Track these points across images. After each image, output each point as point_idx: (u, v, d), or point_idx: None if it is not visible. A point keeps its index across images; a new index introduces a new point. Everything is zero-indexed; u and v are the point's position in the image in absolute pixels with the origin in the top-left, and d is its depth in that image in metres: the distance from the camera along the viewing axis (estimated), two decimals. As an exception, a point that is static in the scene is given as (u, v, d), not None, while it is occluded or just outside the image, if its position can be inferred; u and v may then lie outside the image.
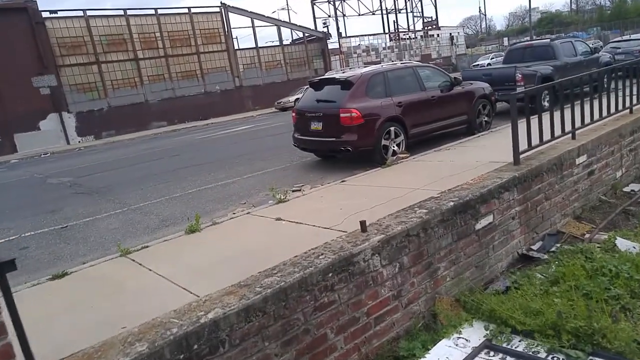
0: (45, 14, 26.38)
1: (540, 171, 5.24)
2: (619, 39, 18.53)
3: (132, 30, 28.99)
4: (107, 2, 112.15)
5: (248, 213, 5.53)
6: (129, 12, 29.16)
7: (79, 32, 27.47)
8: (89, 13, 27.88)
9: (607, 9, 67.23)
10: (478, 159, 6.24)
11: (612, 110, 6.91)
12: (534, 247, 5.02)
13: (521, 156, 5.33)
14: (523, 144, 5.37)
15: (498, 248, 4.71)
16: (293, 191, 6.78)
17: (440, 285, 4.19)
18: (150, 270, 4.08)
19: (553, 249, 4.89)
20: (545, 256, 4.71)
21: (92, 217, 7.11)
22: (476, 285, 4.46)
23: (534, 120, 5.51)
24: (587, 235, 5.16)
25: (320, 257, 3.45)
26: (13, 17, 24.72)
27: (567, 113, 6.07)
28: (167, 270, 3.98)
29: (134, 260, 4.41)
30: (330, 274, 3.36)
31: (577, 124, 6.22)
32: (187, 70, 31.04)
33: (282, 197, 5.75)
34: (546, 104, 8.97)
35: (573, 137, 6.14)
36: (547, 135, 5.70)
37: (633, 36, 17.23)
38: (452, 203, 4.26)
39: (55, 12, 27.22)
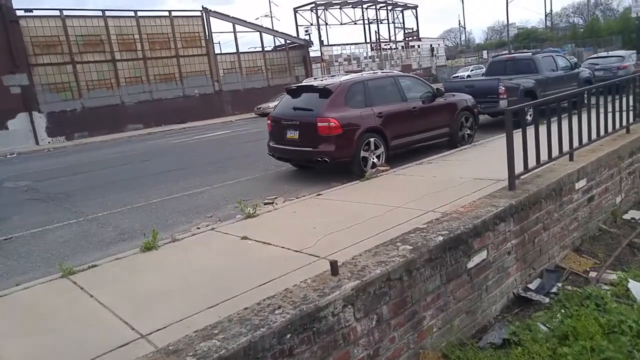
0: (19, 12, 25.49)
1: (538, 198, 4.64)
2: (596, 55, 18.73)
3: (109, 31, 28.19)
4: (89, 4, 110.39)
5: (212, 229, 5.04)
6: (107, 13, 28.40)
7: (55, 31, 26.59)
8: (65, 13, 27.02)
9: (580, 27, 69.18)
10: (461, 174, 5.89)
11: (610, 129, 6.43)
12: (532, 286, 4.48)
13: (517, 180, 4.72)
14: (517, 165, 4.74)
15: (492, 288, 4.11)
16: (265, 204, 6.31)
17: (426, 338, 3.53)
18: (91, 296, 3.57)
19: (554, 289, 4.37)
20: (547, 299, 4.17)
21: (42, 227, 6.48)
22: (467, 334, 3.88)
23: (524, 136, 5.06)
24: (591, 274, 4.65)
25: (277, 312, 2.71)
26: (-14, 15, 23.78)
27: (556, 128, 5.54)
28: (110, 297, 3.47)
29: (75, 283, 3.88)
30: (288, 335, 2.62)
31: (574, 143, 5.64)
32: (166, 73, 30.32)
33: (252, 212, 5.28)
34: (529, 117, 8.73)
35: (571, 159, 5.57)
36: (543, 155, 5.05)
37: (610, 53, 17.43)
38: (441, 237, 3.59)
39: (30, 10, 26.33)
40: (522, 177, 4.79)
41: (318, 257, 3.73)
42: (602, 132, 6.23)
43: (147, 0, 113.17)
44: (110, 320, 3.08)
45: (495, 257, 4.10)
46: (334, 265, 3.12)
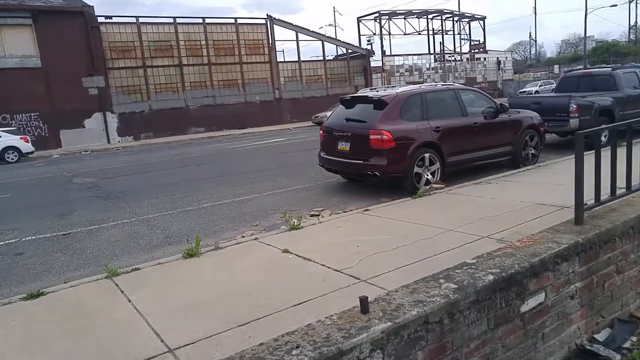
0: (100, 19, 27.32)
1: (612, 236, 4.04)
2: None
3: (179, 37, 29.59)
4: (164, 13, 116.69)
5: (256, 239, 4.98)
6: (177, 20, 29.80)
7: (130, 37, 28.34)
8: (141, 20, 28.66)
9: (669, 41, 63.94)
10: (522, 198, 5.46)
11: None
12: (599, 337, 3.95)
13: (586, 214, 4.14)
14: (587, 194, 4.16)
15: (550, 337, 3.61)
16: (311, 216, 6.19)
17: (468, 390, 3.11)
18: (129, 301, 3.59)
19: (627, 344, 3.81)
20: (618, 356, 3.63)
21: (98, 225, 6.73)
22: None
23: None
24: None
25: (294, 352, 2.43)
26: (70, 20, 25.77)
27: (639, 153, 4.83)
28: (147, 304, 3.48)
29: (117, 286, 3.95)
30: (304, 382, 2.32)
31: None
32: (229, 79, 31.28)
33: (297, 224, 5.16)
34: (603, 138, 8.03)
35: None
36: (620, 184, 4.50)
37: None
38: (491, 277, 3.17)
39: (110, 17, 28.16)
40: (592, 210, 4.24)
41: (358, 279, 3.53)
42: None
43: (217, 11, 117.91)
44: (142, 329, 3.06)
45: (555, 301, 3.61)
46: (364, 302, 2.78)
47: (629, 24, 70.03)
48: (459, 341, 3.02)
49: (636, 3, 68.85)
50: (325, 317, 2.77)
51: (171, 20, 29.76)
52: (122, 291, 3.80)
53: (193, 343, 2.78)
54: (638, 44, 66.91)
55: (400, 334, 2.69)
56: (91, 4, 26.97)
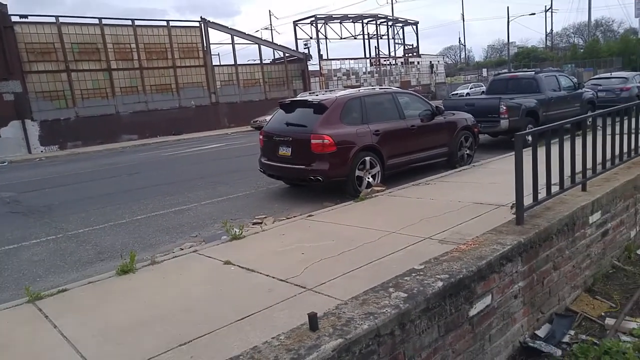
0: (14, 18, 25.27)
1: (549, 234, 4.15)
2: (599, 76, 18.51)
3: (106, 39, 27.97)
4: (88, 14, 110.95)
5: (195, 251, 4.73)
6: (104, 21, 28.22)
7: (50, 38, 26.32)
8: (61, 20, 26.84)
9: (580, 48, 69.48)
10: (460, 198, 5.61)
11: (625, 156, 5.94)
12: (540, 333, 4.03)
13: (525, 213, 4.21)
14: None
15: (496, 338, 3.63)
16: (253, 224, 6.01)
17: (420, 399, 3.05)
18: (55, 327, 3.26)
19: (566, 338, 3.93)
20: (559, 352, 3.70)
21: (18, 244, 6.14)
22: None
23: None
24: (607, 320, 4.20)
25: None
26: (-21, 20, 23.58)
27: (569, 154, 5.02)
28: (75, 329, 3.17)
29: (41, 310, 3.58)
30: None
31: (587, 171, 5.16)
32: (162, 84, 30.08)
33: (238, 233, 4.97)
34: (529, 138, 8.48)
35: (583, 189, 5.07)
36: (553, 185, 4.62)
37: (614, 74, 17.22)
38: (440, 283, 3.12)
39: (25, 16, 26.10)
40: (531, 209, 4.35)
41: (304, 288, 3.43)
42: (616, 160, 5.79)
43: (149, 13, 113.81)
44: (70, 359, 2.76)
45: (500, 302, 3.64)
46: (312, 319, 2.62)
47: (545, 32, 75.66)
48: (410, 351, 2.95)
49: (552, 12, 74.49)
50: (272, 338, 2.60)
51: (96, 21, 28.01)
52: (46, 316, 3.44)
53: None
54: (554, 50, 72.34)
55: (351, 350, 2.57)
56: (4, 2, 24.80)
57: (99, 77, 27.83)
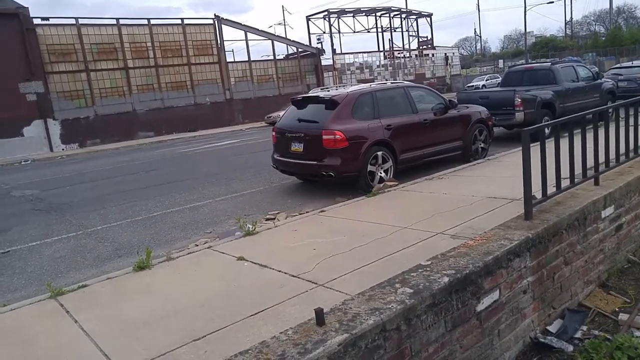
0: (36, 21, 25.83)
1: (559, 229, 4.10)
2: (620, 65, 18.05)
3: (123, 39, 28.41)
4: (106, 15, 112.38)
5: (209, 247, 4.82)
6: (121, 21, 28.64)
7: (70, 39, 26.88)
8: (81, 21, 27.32)
9: (601, 36, 67.75)
10: (474, 192, 5.59)
11: None
12: (552, 329, 4.00)
13: (534, 208, 4.17)
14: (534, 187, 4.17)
15: (505, 333, 3.61)
16: (266, 220, 6.08)
17: (427, 394, 3.05)
18: (76, 322, 3.37)
19: (578, 333, 3.87)
20: (570, 347, 3.67)
21: (40, 240, 6.33)
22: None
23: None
24: (621, 316, 4.13)
25: None
26: (4, 23, 24.14)
27: (579, 147, 4.90)
28: (95, 323, 3.29)
29: (62, 306, 3.70)
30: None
31: (600, 165, 5.06)
32: (177, 81, 30.42)
33: (251, 229, 5.05)
34: (547, 130, 8.37)
35: (596, 183, 4.99)
36: (564, 175, 4.57)
37: (635, 63, 16.74)
38: (446, 279, 3.13)
39: (47, 19, 26.65)
40: (540, 204, 4.31)
41: (316, 284, 3.48)
42: (631, 154, 5.65)
43: (163, 11, 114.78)
44: (90, 352, 2.89)
45: (509, 298, 3.62)
46: (319, 314, 2.67)
47: (565, 20, 73.97)
48: (417, 346, 2.97)
49: (571, 0, 72.78)
50: (280, 333, 2.66)
51: (114, 22, 28.53)
52: (67, 311, 3.57)
53: None
54: (574, 39, 70.70)
55: (357, 344, 2.60)
56: (26, 5, 25.40)
57: (116, 76, 28.30)
